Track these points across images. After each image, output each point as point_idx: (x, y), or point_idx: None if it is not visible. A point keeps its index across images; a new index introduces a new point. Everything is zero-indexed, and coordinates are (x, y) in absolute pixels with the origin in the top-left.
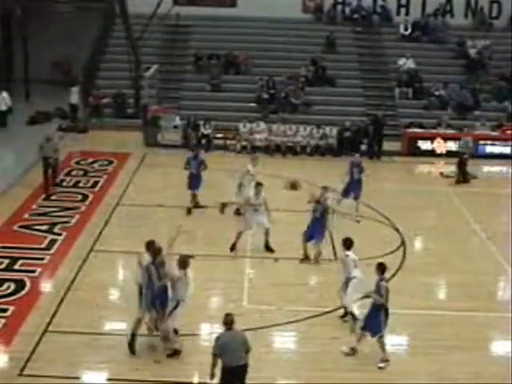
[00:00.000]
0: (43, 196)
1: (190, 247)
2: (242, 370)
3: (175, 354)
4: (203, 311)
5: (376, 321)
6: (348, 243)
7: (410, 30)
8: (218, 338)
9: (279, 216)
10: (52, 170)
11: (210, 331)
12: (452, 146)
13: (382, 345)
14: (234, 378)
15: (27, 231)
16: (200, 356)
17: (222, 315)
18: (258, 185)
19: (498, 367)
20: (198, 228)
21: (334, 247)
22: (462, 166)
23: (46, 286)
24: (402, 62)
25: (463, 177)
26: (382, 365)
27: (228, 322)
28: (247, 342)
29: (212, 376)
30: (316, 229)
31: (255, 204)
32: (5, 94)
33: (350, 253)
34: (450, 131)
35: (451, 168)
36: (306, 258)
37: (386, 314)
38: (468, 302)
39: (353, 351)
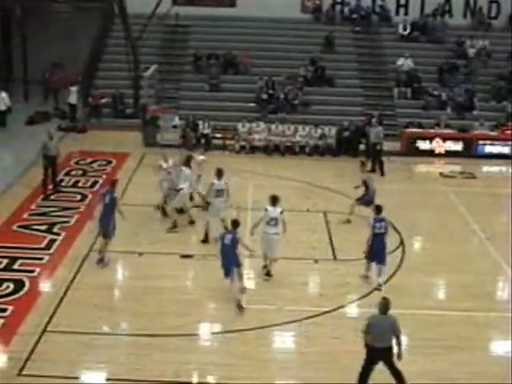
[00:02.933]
0: (42, 196)
1: (190, 246)
2: (386, 351)
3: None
4: (202, 311)
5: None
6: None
7: (408, 30)
8: (369, 318)
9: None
10: (52, 168)
11: (209, 331)
12: (451, 145)
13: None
14: (377, 358)
15: (26, 231)
16: (200, 355)
17: (221, 315)
18: (219, 171)
19: (498, 367)
20: (196, 227)
21: (333, 247)
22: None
23: (45, 286)
24: (400, 62)
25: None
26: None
27: (382, 306)
28: (396, 325)
29: None
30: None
31: (218, 189)
32: (4, 94)
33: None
34: (448, 131)
35: (451, 168)
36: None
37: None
38: (467, 301)
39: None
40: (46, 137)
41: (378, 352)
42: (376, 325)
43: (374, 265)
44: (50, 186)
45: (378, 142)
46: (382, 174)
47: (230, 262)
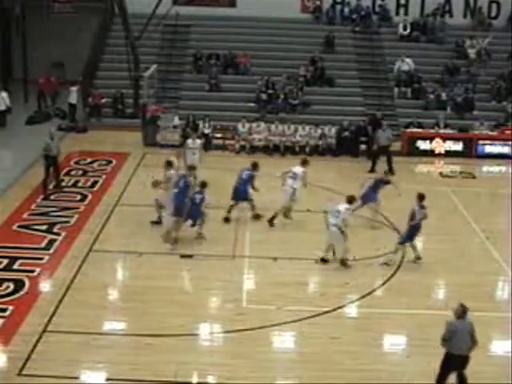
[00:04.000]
0: (42, 196)
1: (190, 246)
2: (464, 360)
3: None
4: (202, 311)
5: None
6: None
7: (408, 30)
8: (448, 324)
9: (279, 217)
10: (54, 168)
11: (209, 331)
12: (451, 145)
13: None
14: (455, 367)
15: (26, 231)
16: (199, 356)
17: (220, 315)
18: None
19: (498, 367)
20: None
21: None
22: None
23: (45, 286)
24: (397, 64)
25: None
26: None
27: (461, 310)
28: (474, 334)
29: None
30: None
31: (192, 148)
32: (4, 94)
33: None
34: (448, 131)
35: (451, 168)
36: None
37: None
38: (467, 301)
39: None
40: (47, 137)
41: (458, 360)
42: (457, 331)
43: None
44: (50, 187)
45: (388, 144)
46: (392, 173)
47: (196, 215)
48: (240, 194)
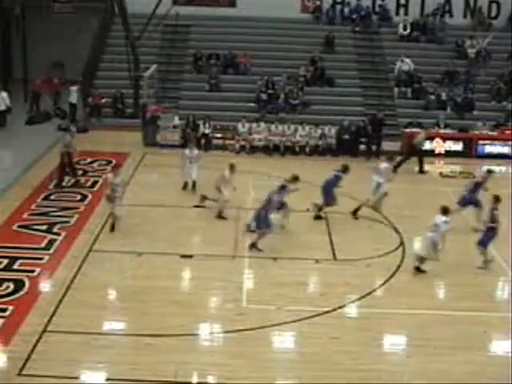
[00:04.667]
0: (57, 181)
1: (190, 247)
2: None
3: None
4: (202, 311)
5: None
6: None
7: (408, 30)
8: None
9: (278, 216)
10: (71, 164)
11: (209, 331)
12: (451, 145)
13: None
14: None
15: (26, 231)
16: (199, 356)
17: (220, 315)
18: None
19: (498, 367)
20: (197, 228)
21: (333, 248)
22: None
23: (45, 286)
24: (398, 65)
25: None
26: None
27: None
28: None
29: None
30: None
31: (190, 157)
32: (4, 94)
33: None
34: (448, 131)
35: (451, 168)
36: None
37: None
38: (467, 301)
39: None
40: (68, 134)
41: None
42: None
43: None
44: (51, 186)
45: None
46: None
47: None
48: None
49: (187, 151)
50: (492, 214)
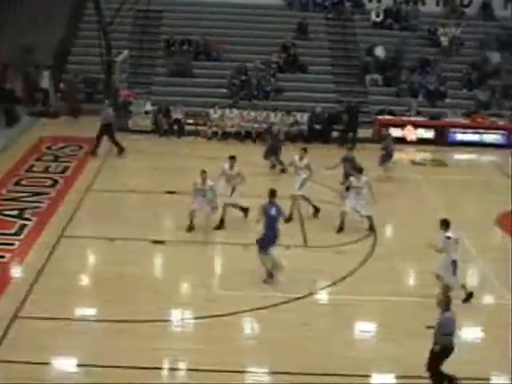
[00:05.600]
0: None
1: (162, 232)
2: (451, 351)
3: None
4: (174, 297)
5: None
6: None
7: (381, 17)
8: (444, 319)
9: (251, 202)
10: (111, 134)
11: (180, 317)
12: (422, 133)
13: None
14: (445, 359)
15: None
16: (171, 341)
17: (192, 301)
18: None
19: (469, 351)
20: (168, 214)
21: (304, 234)
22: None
23: (16, 272)
24: (378, 51)
25: None
26: None
27: (448, 302)
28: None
29: None
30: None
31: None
32: None
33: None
34: (420, 118)
35: (422, 155)
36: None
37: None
38: (436, 288)
39: None
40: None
41: (450, 351)
42: (452, 323)
43: None
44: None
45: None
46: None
47: None
48: None
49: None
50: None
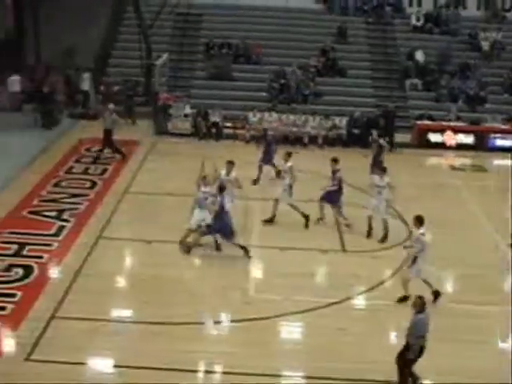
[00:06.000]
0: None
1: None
2: (422, 352)
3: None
4: (210, 300)
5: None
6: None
7: (422, 22)
8: (418, 321)
9: (285, 207)
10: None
11: (216, 320)
12: (462, 138)
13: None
14: (417, 359)
15: (36, 217)
16: (206, 344)
17: (228, 304)
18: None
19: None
20: None
21: (342, 239)
22: None
23: (54, 272)
24: (417, 56)
25: None
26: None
27: (423, 303)
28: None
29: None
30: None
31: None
32: (15, 77)
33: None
34: (460, 124)
35: (461, 161)
36: None
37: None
38: (475, 294)
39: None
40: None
41: (423, 350)
42: (424, 325)
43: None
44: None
45: None
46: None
47: None
48: None
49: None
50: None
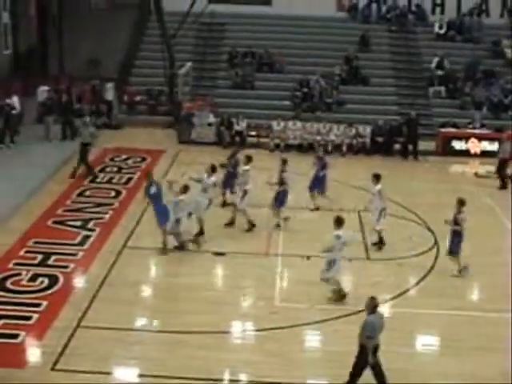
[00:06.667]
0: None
1: (223, 244)
2: (377, 349)
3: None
4: (234, 308)
5: None
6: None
7: (445, 29)
8: (371, 322)
9: (309, 215)
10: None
11: (241, 329)
12: (486, 146)
13: None
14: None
15: (61, 227)
16: (231, 353)
17: (252, 313)
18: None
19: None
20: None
21: (366, 247)
22: (501, 169)
23: (79, 282)
24: (433, 63)
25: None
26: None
27: (374, 305)
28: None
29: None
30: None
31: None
32: (44, 88)
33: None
34: (484, 131)
35: (486, 168)
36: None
37: None
38: (501, 303)
39: None
40: (79, 123)
41: (377, 349)
42: (375, 327)
43: None
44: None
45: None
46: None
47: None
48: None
49: (204, 176)
50: (456, 218)
